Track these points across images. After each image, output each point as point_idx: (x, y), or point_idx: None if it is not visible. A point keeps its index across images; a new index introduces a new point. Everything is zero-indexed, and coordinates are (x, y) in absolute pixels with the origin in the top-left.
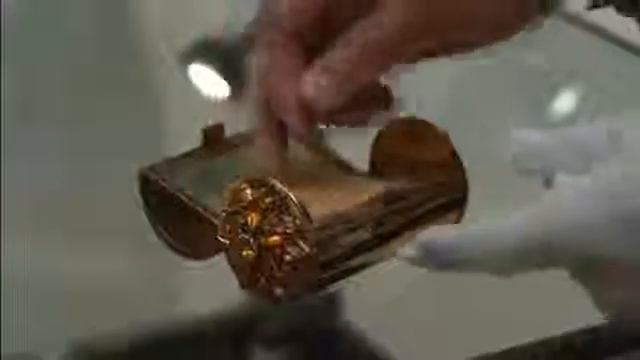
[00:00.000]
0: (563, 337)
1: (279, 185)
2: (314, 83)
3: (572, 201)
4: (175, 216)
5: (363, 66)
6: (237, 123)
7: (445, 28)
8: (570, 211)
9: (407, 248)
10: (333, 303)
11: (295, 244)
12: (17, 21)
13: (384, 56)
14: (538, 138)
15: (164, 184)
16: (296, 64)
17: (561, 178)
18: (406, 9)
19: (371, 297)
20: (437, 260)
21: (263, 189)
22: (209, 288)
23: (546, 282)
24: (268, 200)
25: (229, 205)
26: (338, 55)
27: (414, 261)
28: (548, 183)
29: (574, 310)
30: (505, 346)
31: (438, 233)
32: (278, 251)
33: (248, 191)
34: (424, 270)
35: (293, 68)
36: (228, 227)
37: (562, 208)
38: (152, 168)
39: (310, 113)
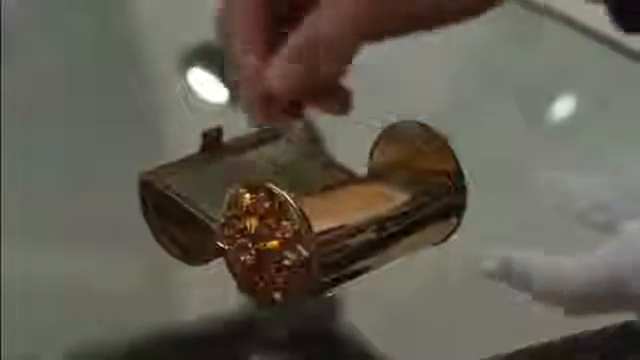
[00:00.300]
0: (556, 342)
1: (278, 189)
2: (276, 69)
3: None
4: (174, 220)
5: (317, 59)
6: (236, 128)
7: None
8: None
9: (490, 261)
10: (333, 307)
11: (294, 248)
12: (16, 24)
13: (336, 49)
14: (604, 194)
15: (163, 188)
16: (263, 37)
17: (628, 225)
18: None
19: (371, 301)
20: (512, 282)
21: (262, 194)
22: (208, 291)
23: None
24: (267, 204)
25: (228, 210)
26: (293, 45)
27: (492, 275)
28: (611, 229)
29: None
30: (506, 350)
31: (526, 259)
32: (277, 256)
33: (247, 196)
34: (424, 274)
35: (260, 43)
36: (227, 232)
37: (631, 252)
38: (152, 172)
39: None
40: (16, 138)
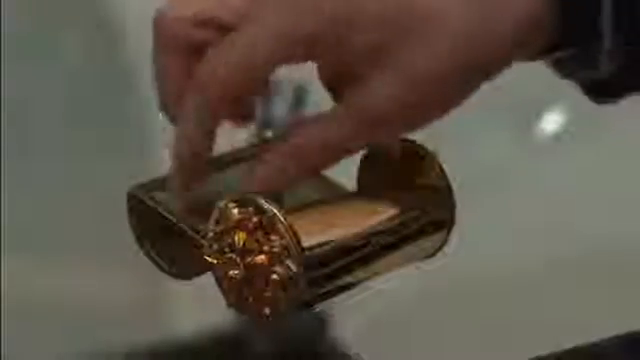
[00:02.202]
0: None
1: (266, 204)
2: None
3: None
4: (163, 235)
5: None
6: (228, 140)
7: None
8: None
9: None
10: (321, 321)
11: (282, 263)
12: (13, 26)
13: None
14: None
15: (152, 203)
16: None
17: None
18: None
19: (359, 315)
20: None
21: (250, 208)
22: (197, 306)
23: (541, 300)
24: (255, 219)
25: (216, 225)
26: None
27: None
28: None
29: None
30: None
31: None
32: (265, 270)
33: (235, 210)
34: (412, 288)
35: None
36: (215, 247)
37: None
38: (141, 186)
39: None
40: (15, 149)
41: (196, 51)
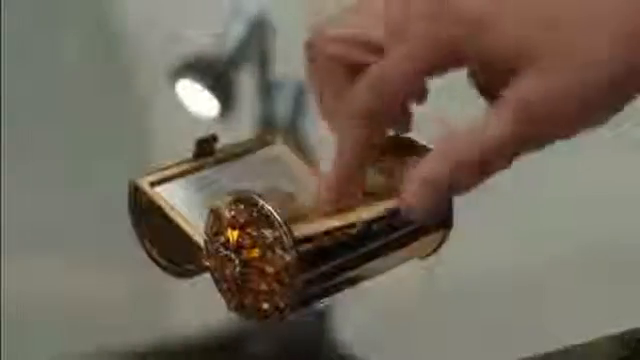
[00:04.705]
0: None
1: (256, 198)
2: (413, 194)
3: None
4: (162, 231)
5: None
6: (227, 140)
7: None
8: None
9: None
10: (320, 320)
11: (275, 254)
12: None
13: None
14: None
15: (153, 197)
16: None
17: None
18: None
19: (358, 314)
20: None
21: (241, 205)
22: (196, 305)
23: (538, 301)
24: (247, 215)
25: (211, 226)
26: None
27: None
28: None
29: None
30: None
31: None
32: (260, 264)
33: (227, 209)
34: (411, 287)
35: None
36: (211, 248)
37: None
38: (142, 180)
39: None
40: (15, 148)
41: (352, 71)
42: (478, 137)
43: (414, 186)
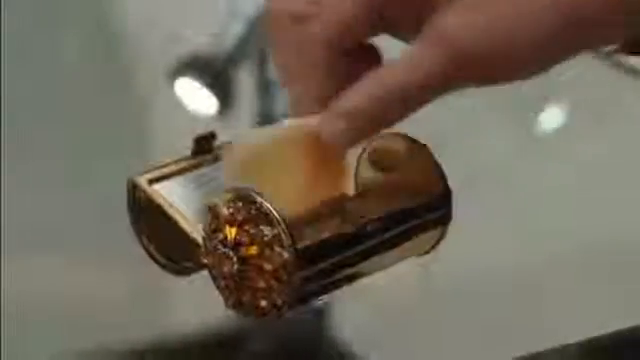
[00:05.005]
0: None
1: (255, 196)
2: (331, 126)
3: None
4: (160, 229)
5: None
6: (226, 138)
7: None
8: None
9: None
10: (319, 317)
11: (273, 251)
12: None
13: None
14: None
15: (152, 195)
16: None
17: None
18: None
19: (357, 311)
20: None
21: (239, 202)
22: (195, 303)
23: (534, 300)
24: (244, 212)
25: (209, 224)
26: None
27: None
28: None
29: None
30: None
31: None
32: (258, 261)
33: (225, 206)
34: (409, 285)
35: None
36: (209, 245)
37: None
38: (140, 177)
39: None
40: (15, 148)
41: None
42: (400, 72)
43: (332, 114)
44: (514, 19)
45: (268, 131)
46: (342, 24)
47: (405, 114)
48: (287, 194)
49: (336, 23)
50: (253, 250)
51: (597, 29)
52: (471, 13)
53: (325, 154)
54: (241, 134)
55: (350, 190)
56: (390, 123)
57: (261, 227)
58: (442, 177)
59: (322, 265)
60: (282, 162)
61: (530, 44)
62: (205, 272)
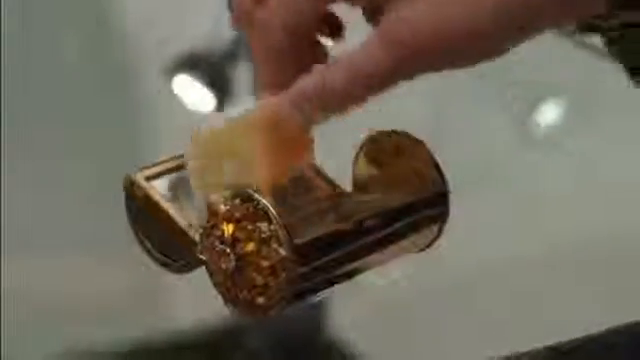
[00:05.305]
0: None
1: (252, 193)
2: (290, 104)
3: None
4: (158, 226)
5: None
6: None
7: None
8: None
9: None
10: (317, 314)
11: (270, 248)
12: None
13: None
14: None
15: (149, 192)
16: None
17: None
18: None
19: (356, 308)
20: None
21: (237, 200)
22: (193, 300)
23: (532, 298)
24: (242, 209)
25: (207, 221)
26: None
27: None
28: None
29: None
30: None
31: None
32: (255, 258)
33: (222, 203)
34: (409, 283)
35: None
36: (207, 242)
37: None
38: (137, 174)
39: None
40: (15, 148)
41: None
42: (347, 64)
43: (281, 96)
44: (453, 5)
45: (234, 115)
46: (296, 6)
47: (357, 102)
48: (247, 170)
49: (292, 5)
50: (250, 247)
51: (533, 9)
52: (412, 4)
53: (285, 132)
54: (211, 119)
55: (311, 161)
56: (344, 109)
57: (258, 224)
58: (440, 174)
59: (319, 262)
60: (241, 142)
61: (469, 29)
62: (203, 269)
